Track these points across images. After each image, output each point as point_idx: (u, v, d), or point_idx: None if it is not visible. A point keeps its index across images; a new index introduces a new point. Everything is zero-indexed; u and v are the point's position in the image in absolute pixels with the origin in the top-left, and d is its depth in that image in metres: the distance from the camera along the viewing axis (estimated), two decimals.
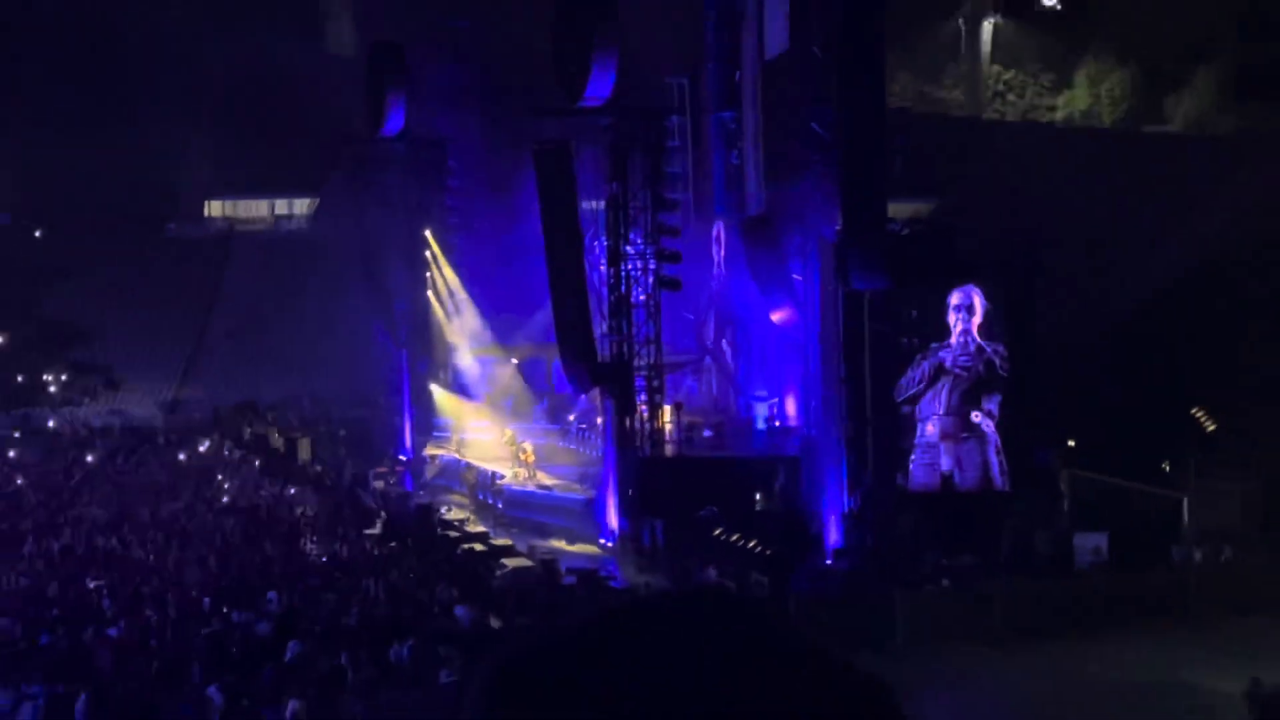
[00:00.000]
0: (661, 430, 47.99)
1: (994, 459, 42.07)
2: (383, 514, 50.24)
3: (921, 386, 42.22)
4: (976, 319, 42.22)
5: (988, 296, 42.53)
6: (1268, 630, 35.44)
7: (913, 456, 42.61)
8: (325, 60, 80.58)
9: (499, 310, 60.26)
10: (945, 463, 42.43)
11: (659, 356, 48.15)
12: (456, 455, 57.33)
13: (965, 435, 42.19)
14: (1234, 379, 43.88)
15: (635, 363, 47.29)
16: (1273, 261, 51.49)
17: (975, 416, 42.08)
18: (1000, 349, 42.16)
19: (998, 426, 42.11)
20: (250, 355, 71.48)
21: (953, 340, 42.25)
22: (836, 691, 0.92)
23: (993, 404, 42.11)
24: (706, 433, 51.22)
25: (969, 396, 42.18)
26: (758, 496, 45.20)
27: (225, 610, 38.60)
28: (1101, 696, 32.25)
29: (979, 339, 42.16)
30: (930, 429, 42.37)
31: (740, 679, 0.89)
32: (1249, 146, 64.00)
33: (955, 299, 42.43)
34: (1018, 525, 41.16)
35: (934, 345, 42.28)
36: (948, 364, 42.20)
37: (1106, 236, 57.61)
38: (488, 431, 57.68)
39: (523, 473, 53.18)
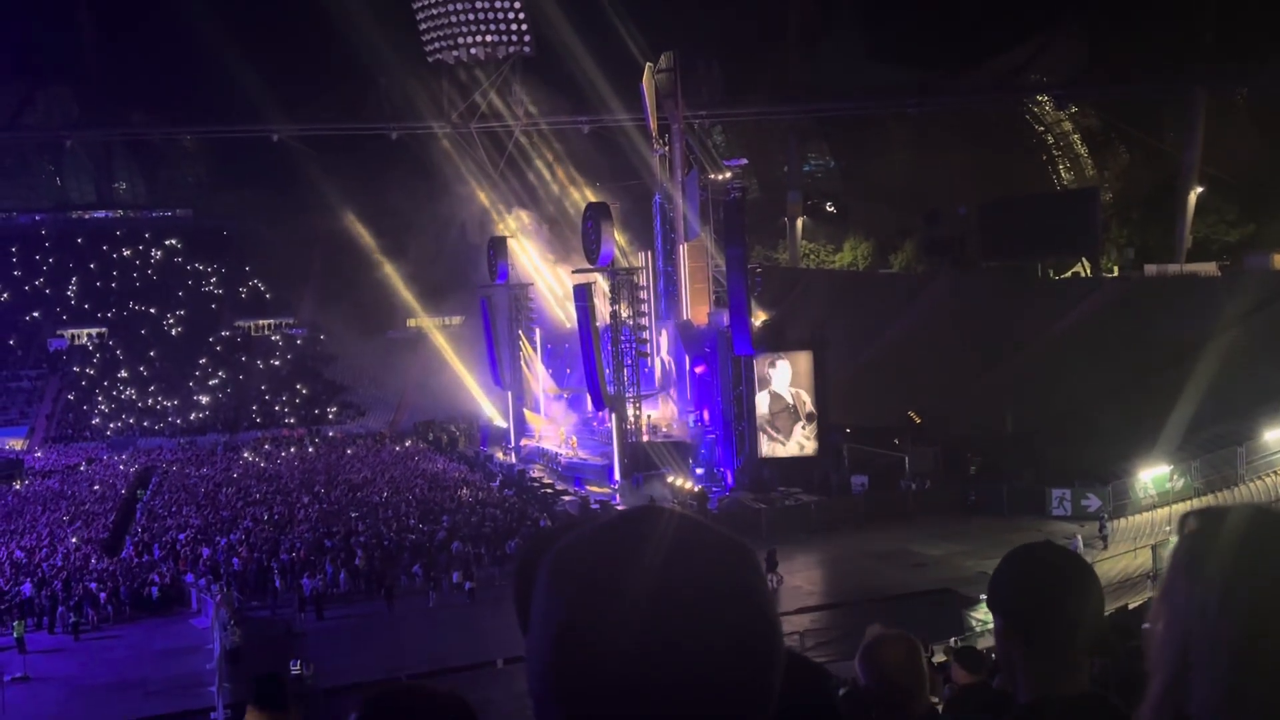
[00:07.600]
0: (640, 429, 47.64)
1: (807, 440, 41.96)
2: (500, 474, 49.96)
3: (776, 410, 42.18)
4: (792, 371, 42.15)
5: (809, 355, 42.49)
6: (948, 521, 35.45)
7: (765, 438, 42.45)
8: (468, 247, 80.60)
9: (555, 369, 60.06)
10: (783, 442, 42.36)
11: (638, 391, 47.91)
12: (537, 444, 56.96)
13: (791, 426, 42.07)
14: (925, 394, 43.86)
15: (626, 395, 47.08)
16: (935, 326, 51.66)
17: (790, 417, 42.00)
18: (801, 390, 41.97)
19: (806, 422, 41.98)
20: (434, 394, 70.79)
21: (776, 385, 42.10)
22: (726, 549, 0.97)
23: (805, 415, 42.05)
24: (664, 431, 50.93)
25: (790, 409, 42.15)
26: (690, 461, 44.97)
27: (421, 525, 38.48)
28: (866, 556, 32.22)
29: (792, 384, 42.04)
30: (771, 425, 42.29)
31: (679, 551, 0.93)
32: (922, 278, 64.71)
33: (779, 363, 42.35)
34: (822, 472, 41.07)
35: (775, 390, 42.00)
36: (780, 394, 42.15)
37: (855, 324, 56.64)
38: (552, 431, 57.36)
39: (570, 452, 52.70)
